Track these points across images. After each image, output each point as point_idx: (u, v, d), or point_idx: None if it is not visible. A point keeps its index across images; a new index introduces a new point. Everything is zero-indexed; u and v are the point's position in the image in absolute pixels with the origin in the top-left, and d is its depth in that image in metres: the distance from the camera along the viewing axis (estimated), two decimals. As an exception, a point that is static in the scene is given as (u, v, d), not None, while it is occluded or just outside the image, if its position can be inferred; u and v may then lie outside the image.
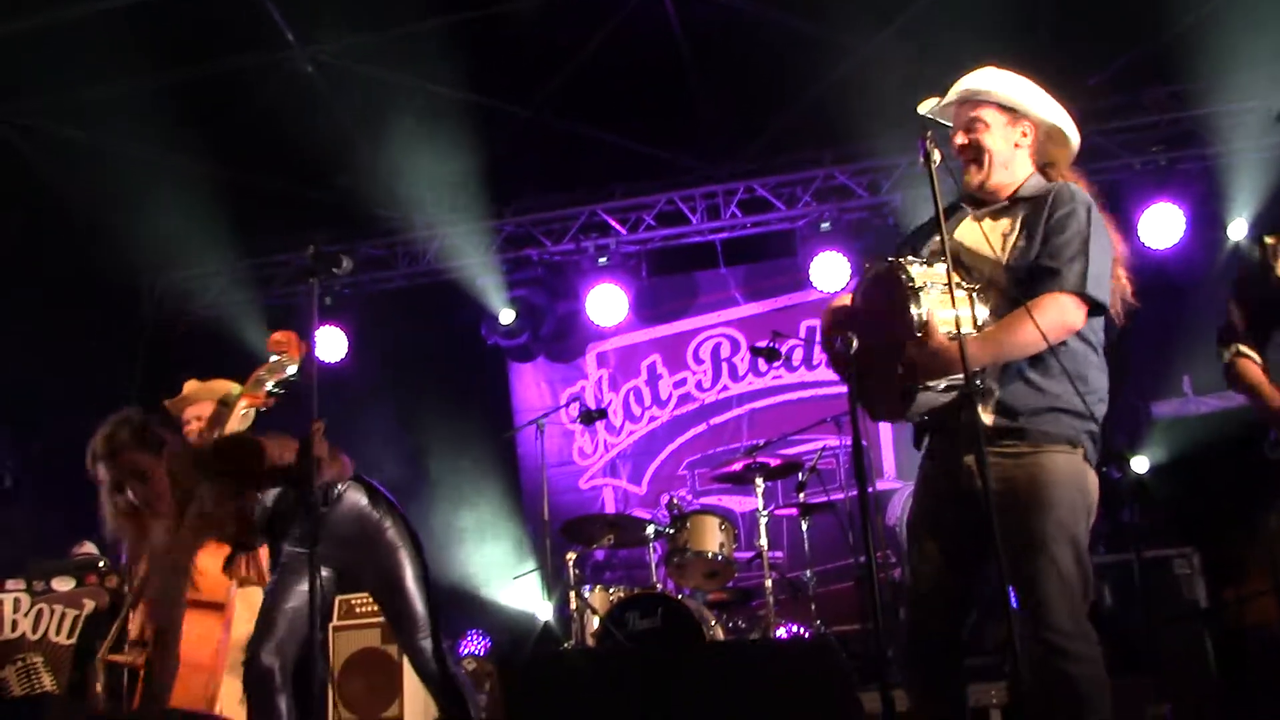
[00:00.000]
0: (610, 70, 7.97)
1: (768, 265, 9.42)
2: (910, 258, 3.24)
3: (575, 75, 8.01)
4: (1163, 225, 8.01)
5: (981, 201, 3.36)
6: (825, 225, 8.74)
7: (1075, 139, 3.43)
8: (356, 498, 4.11)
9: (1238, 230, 7.77)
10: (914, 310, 3.05)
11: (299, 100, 7.95)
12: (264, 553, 4.33)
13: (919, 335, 3.02)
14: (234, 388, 4.81)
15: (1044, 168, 3.41)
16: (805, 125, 8.43)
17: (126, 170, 8.07)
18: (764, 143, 8.88)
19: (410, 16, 7.45)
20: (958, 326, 3.03)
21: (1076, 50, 7.74)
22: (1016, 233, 3.25)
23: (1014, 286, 3.19)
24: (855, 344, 3.06)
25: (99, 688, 4.68)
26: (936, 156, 3.15)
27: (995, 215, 3.31)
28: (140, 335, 9.57)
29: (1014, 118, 3.36)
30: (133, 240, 8.48)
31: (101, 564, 6.47)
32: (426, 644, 4.02)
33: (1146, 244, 8.07)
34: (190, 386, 4.97)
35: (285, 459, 3.79)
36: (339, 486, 4.08)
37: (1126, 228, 8.07)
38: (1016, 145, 3.36)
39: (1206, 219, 7.93)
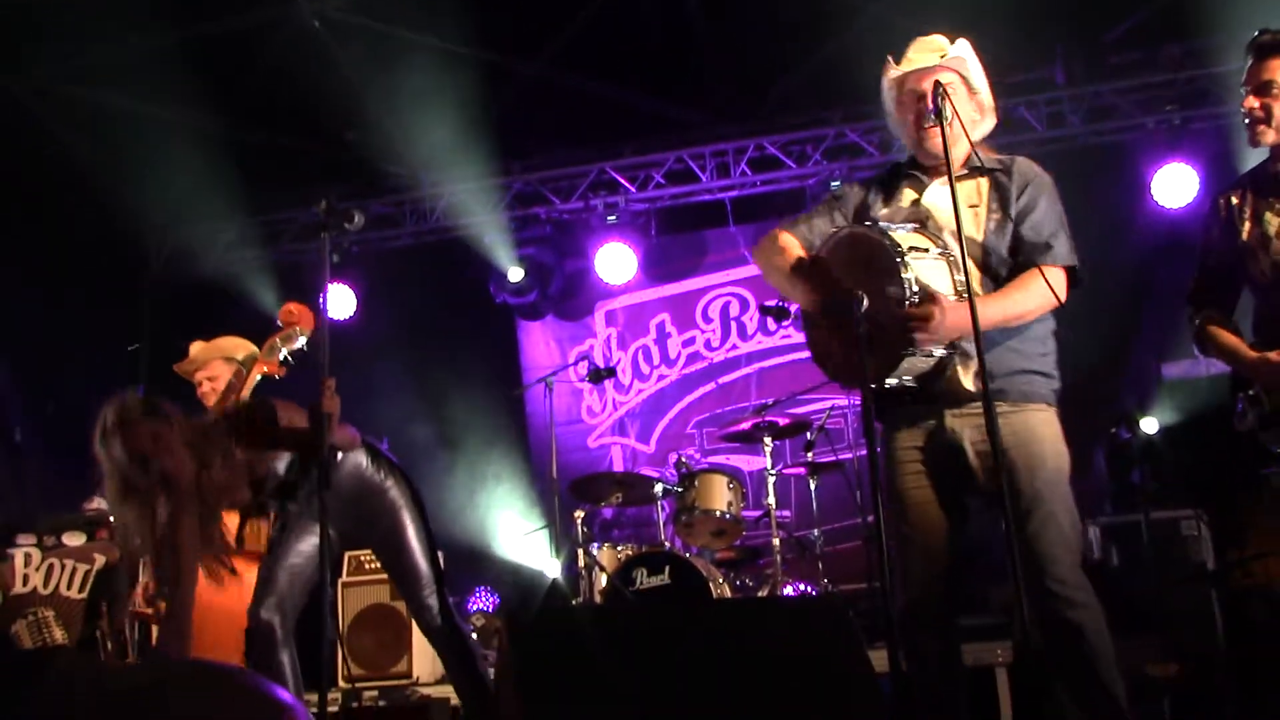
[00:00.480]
0: (620, 26, 7.90)
1: (777, 223, 9.35)
2: (882, 224, 3.24)
3: (584, 31, 7.94)
4: (1177, 185, 7.96)
5: (931, 170, 3.39)
6: (836, 183, 8.68)
7: (992, 122, 3.47)
8: (357, 459, 4.12)
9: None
10: (904, 275, 3.04)
11: (305, 56, 7.88)
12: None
13: (912, 301, 3.01)
14: (240, 345, 4.84)
15: None
16: (816, 83, 8.36)
17: (134, 129, 8.04)
18: (774, 100, 8.82)
19: (418, -30, 7.40)
20: (955, 291, 3.10)
21: (1092, 4, 7.66)
22: (986, 204, 3.30)
23: (988, 257, 3.27)
24: (866, 303, 3.03)
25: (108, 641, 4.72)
26: (949, 111, 3.13)
27: (959, 181, 3.28)
28: (148, 294, 9.58)
29: (971, 91, 3.38)
30: (141, 199, 8.47)
31: (112, 518, 6.51)
32: (432, 601, 4.04)
33: (1160, 203, 8.02)
34: (196, 348, 4.98)
35: (297, 424, 3.80)
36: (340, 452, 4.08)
37: (1139, 187, 8.04)
38: (975, 121, 3.38)
39: (1221, 179, 7.84)
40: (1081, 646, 3.07)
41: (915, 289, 3.03)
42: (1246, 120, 3.54)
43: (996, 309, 3.14)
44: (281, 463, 4.04)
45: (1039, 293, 3.15)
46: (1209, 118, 8.14)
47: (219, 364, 4.89)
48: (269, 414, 3.87)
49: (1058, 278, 3.22)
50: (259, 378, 4.50)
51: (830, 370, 3.35)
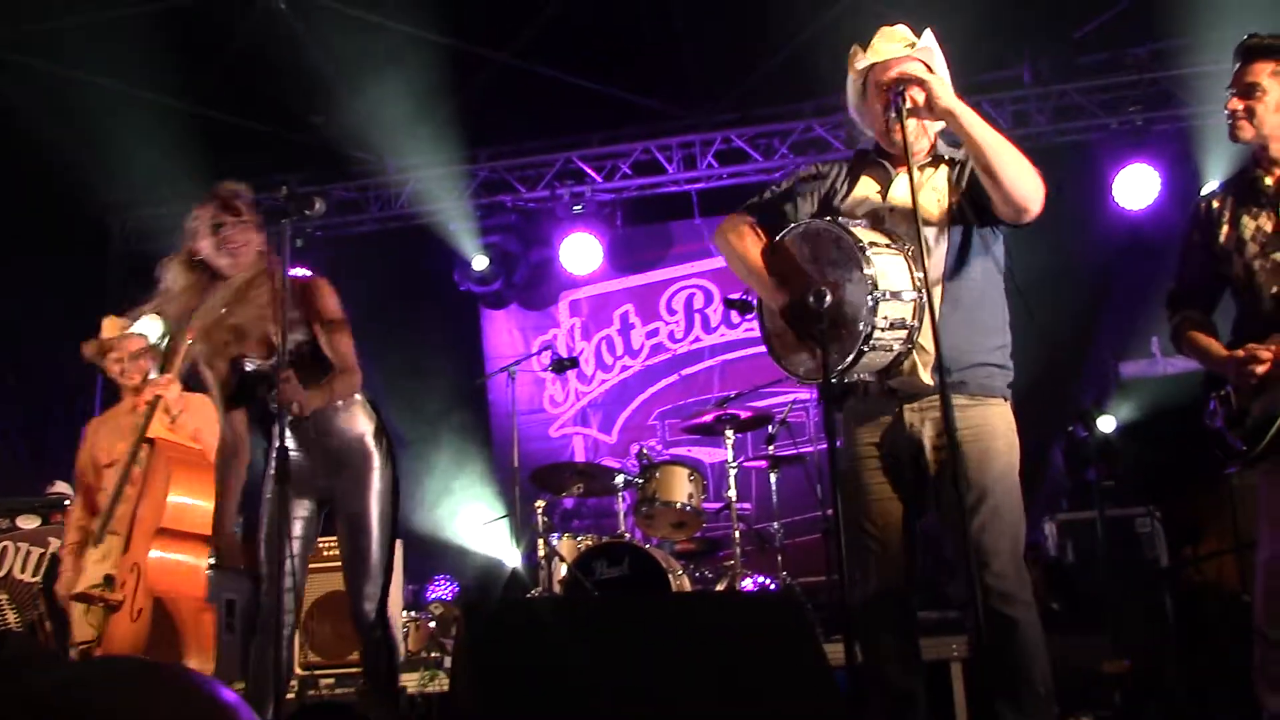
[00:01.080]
0: (590, 15, 7.87)
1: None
2: (844, 219, 3.23)
3: (552, 20, 7.91)
4: (1138, 186, 8.04)
5: (894, 159, 3.38)
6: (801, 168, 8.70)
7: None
8: (364, 422, 4.05)
9: (1206, 192, 7.79)
10: (866, 271, 3.04)
11: (273, 38, 7.81)
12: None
13: (876, 298, 3.02)
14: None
15: None
16: (785, 76, 8.37)
17: (98, 105, 7.94)
18: (743, 93, 8.82)
19: (388, -45, 7.34)
20: (914, 286, 3.10)
21: (1059, 5, 7.72)
22: (947, 190, 3.32)
23: (948, 246, 3.28)
24: (829, 299, 3.04)
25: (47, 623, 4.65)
26: (909, 105, 3.16)
27: (920, 169, 3.32)
28: (111, 271, 9.48)
29: None
30: (103, 176, 8.36)
31: (68, 503, 6.43)
32: (372, 594, 3.93)
33: (1122, 204, 8.10)
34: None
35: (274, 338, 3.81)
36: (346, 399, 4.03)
37: (1102, 187, 8.12)
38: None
39: (1182, 180, 7.93)
40: (1014, 641, 3.10)
41: (878, 286, 3.03)
42: (1229, 118, 3.65)
43: (984, 127, 3.17)
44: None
45: (1026, 163, 3.21)
46: (1171, 120, 8.23)
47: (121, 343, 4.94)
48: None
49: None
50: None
51: (785, 363, 3.35)
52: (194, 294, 4.03)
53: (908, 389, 3.22)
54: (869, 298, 3.02)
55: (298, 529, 3.95)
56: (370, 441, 4.03)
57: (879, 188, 3.40)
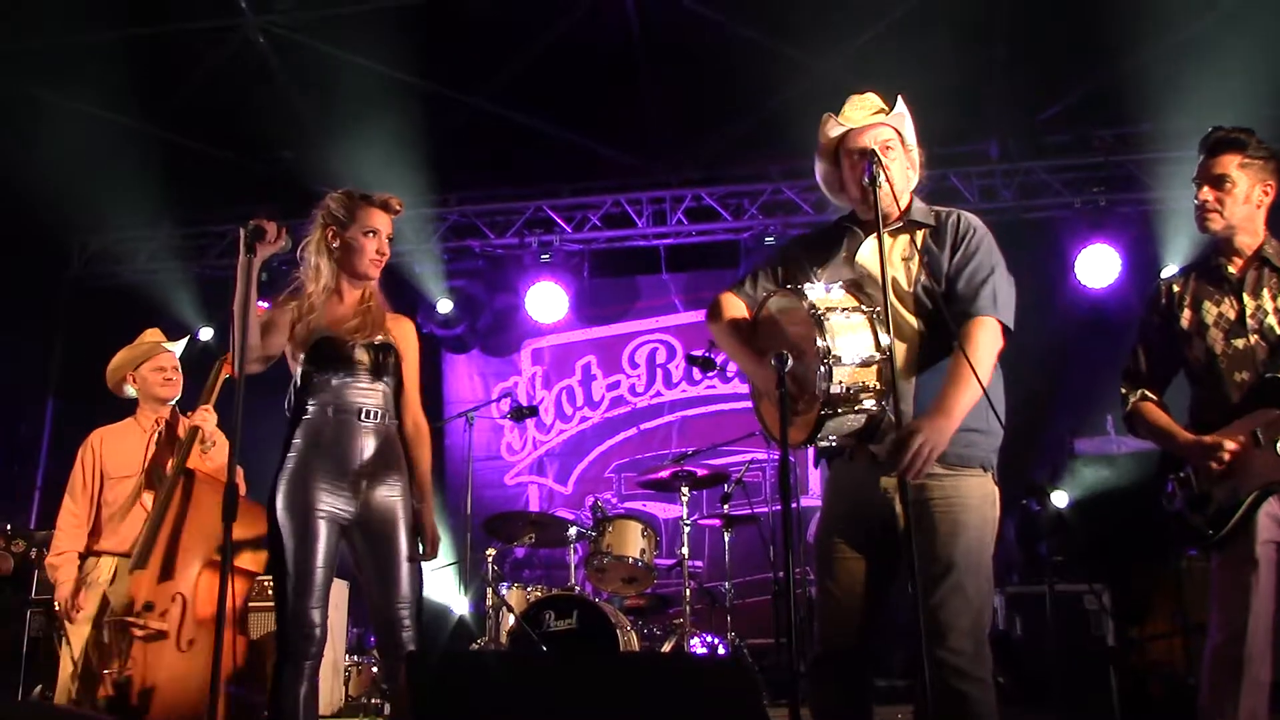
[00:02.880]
0: (565, 65, 7.93)
1: (710, 275, 9.44)
2: (812, 283, 3.25)
3: (530, 67, 7.96)
4: (1100, 265, 8.16)
5: (869, 225, 3.34)
6: (770, 239, 8.79)
7: (920, 175, 3.51)
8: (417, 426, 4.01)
9: (1167, 276, 7.92)
10: (819, 341, 3.05)
11: (247, 70, 7.82)
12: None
13: (826, 363, 3.02)
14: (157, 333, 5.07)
15: None
16: (757, 138, 8.46)
17: (64, 126, 7.88)
18: (714, 152, 8.90)
19: (368, -5, 7.37)
20: (877, 348, 3.07)
21: (1028, 84, 7.85)
22: (918, 258, 3.30)
23: (918, 310, 3.25)
24: (790, 363, 3.05)
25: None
26: (883, 179, 3.18)
27: (893, 235, 3.33)
28: (67, 294, 9.37)
29: (905, 147, 3.42)
30: (66, 198, 8.28)
31: (8, 527, 6.33)
32: (406, 617, 3.74)
33: (1083, 282, 8.20)
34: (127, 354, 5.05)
35: None
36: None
37: (1064, 265, 8.23)
38: (909, 178, 3.43)
39: (1142, 262, 8.07)
40: (964, 718, 3.05)
41: (830, 352, 3.04)
42: (1198, 209, 3.69)
43: (961, 397, 3.07)
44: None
45: (984, 352, 3.12)
46: (1133, 202, 8.38)
47: (164, 355, 4.99)
48: None
49: (995, 330, 3.19)
50: (226, 377, 4.67)
51: (766, 431, 3.36)
52: (331, 296, 3.92)
53: (883, 455, 3.20)
54: (821, 363, 3.03)
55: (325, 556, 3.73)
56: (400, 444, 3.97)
57: (848, 253, 3.42)
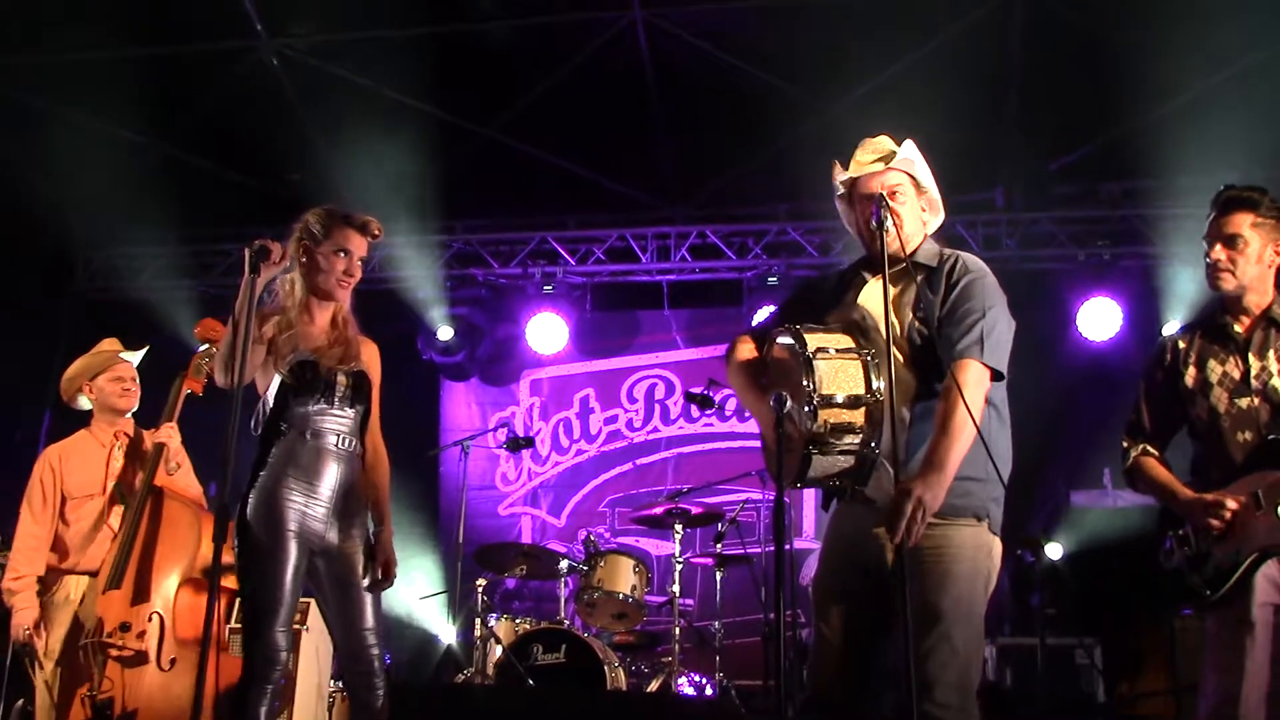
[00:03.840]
0: (576, 99, 7.99)
1: (712, 312, 9.45)
2: (809, 324, 3.23)
3: (541, 100, 8.01)
4: (1102, 318, 8.17)
5: (880, 266, 3.29)
6: (773, 279, 8.81)
7: (942, 217, 3.50)
8: (377, 450, 4.03)
9: (1172, 331, 7.93)
10: (805, 382, 3.04)
11: (259, 92, 7.86)
12: None
13: (813, 404, 3.01)
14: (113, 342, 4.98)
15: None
16: (764, 178, 8.50)
17: (75, 139, 7.91)
18: (720, 190, 8.93)
19: (383, 23, 7.42)
20: (868, 390, 3.05)
21: (1038, 135, 7.89)
22: (914, 300, 3.28)
23: (911, 353, 3.23)
24: (789, 403, 3.04)
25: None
26: (890, 224, 3.17)
27: (894, 280, 3.30)
28: (70, 307, 9.37)
29: (920, 189, 3.40)
30: (72, 211, 8.31)
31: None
32: (374, 646, 3.73)
33: (1084, 334, 8.21)
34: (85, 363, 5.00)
35: None
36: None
37: (1066, 316, 8.23)
38: (923, 222, 3.42)
39: (1144, 316, 8.07)
40: None
41: (817, 391, 3.03)
42: (1210, 267, 3.68)
43: (950, 447, 3.02)
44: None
45: (969, 396, 3.05)
46: (1137, 256, 8.39)
47: (122, 365, 4.90)
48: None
49: (978, 374, 3.12)
50: (187, 393, 4.63)
51: (770, 469, 3.34)
52: (303, 313, 3.88)
53: (879, 497, 3.17)
54: (807, 404, 3.03)
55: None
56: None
57: (854, 295, 3.42)
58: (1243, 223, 3.63)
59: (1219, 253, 3.65)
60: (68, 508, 4.67)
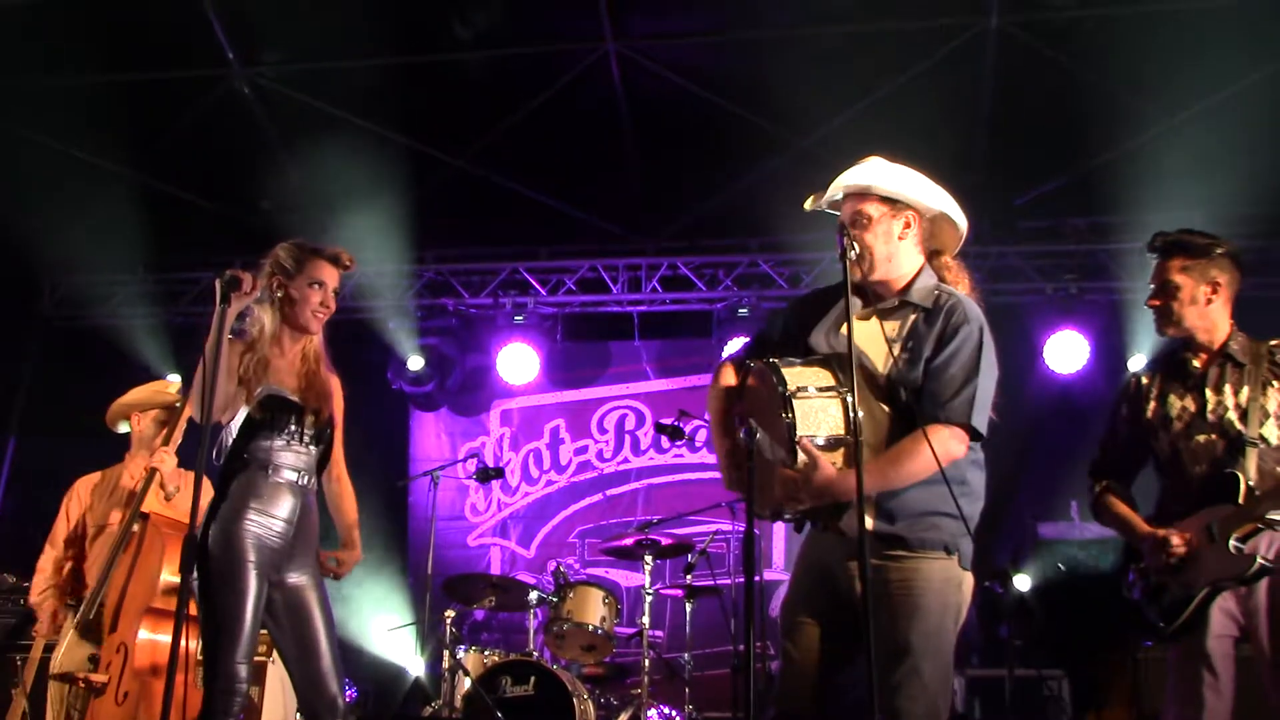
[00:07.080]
0: (549, 130, 8.02)
1: (683, 343, 9.47)
2: (789, 359, 3.21)
3: (513, 130, 8.04)
4: (1068, 351, 8.23)
5: (870, 296, 3.31)
6: (743, 310, 8.84)
7: (963, 223, 3.43)
8: (341, 481, 4.14)
9: (1138, 366, 8.03)
10: (783, 417, 3.04)
11: (230, 120, 7.85)
12: None
13: (795, 447, 3.01)
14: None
15: (932, 254, 3.43)
16: (735, 210, 8.55)
17: (44, 165, 7.87)
18: (692, 221, 8.97)
19: (356, 52, 7.43)
20: (847, 430, 3.04)
21: (1006, 169, 7.98)
22: (901, 341, 3.23)
23: (892, 396, 3.19)
24: (758, 434, 3.04)
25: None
26: (854, 254, 3.17)
27: (885, 315, 3.27)
28: (37, 333, 9.30)
29: (895, 209, 3.31)
30: (40, 236, 8.25)
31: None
32: (333, 687, 3.71)
33: (1051, 368, 8.27)
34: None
35: None
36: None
37: (1033, 350, 8.30)
38: (900, 237, 3.32)
39: (1110, 350, 8.15)
40: None
41: (795, 429, 3.03)
42: (1154, 313, 3.78)
43: (870, 479, 3.00)
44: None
45: (923, 457, 3.03)
46: (1103, 290, 8.48)
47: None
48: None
49: (952, 437, 3.10)
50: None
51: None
52: (273, 346, 3.89)
53: (850, 532, 3.14)
54: (786, 446, 3.03)
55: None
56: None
57: (835, 324, 3.35)
58: (1173, 269, 3.72)
59: (1154, 300, 3.76)
60: (89, 540, 4.79)
